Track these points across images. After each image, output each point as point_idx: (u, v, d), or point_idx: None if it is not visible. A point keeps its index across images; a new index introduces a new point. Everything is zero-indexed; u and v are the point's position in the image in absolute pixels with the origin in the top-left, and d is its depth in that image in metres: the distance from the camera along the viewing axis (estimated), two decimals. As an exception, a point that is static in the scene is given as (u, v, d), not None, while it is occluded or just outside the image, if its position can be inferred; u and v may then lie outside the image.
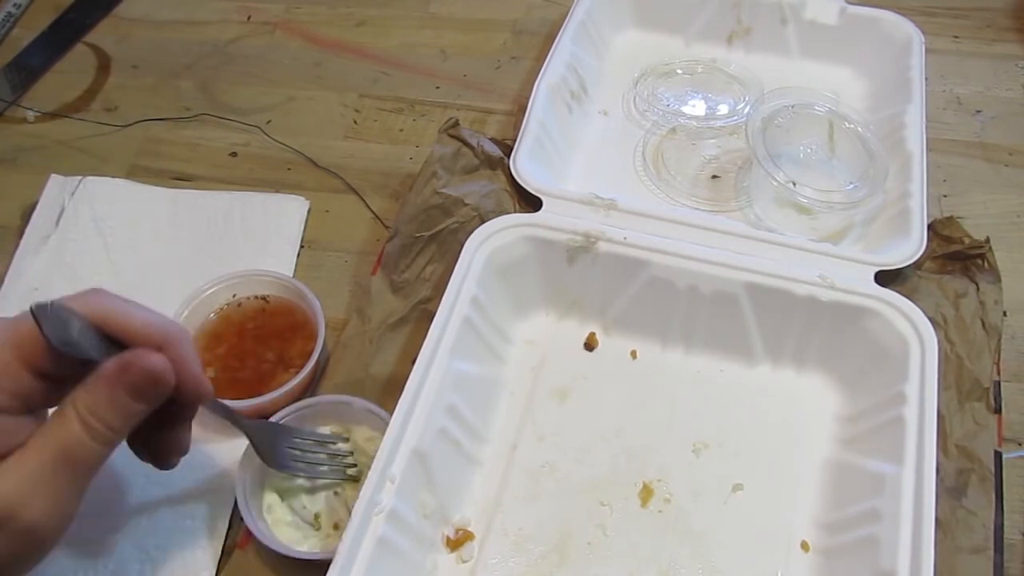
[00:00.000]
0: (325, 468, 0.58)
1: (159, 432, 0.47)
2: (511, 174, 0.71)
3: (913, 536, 0.51)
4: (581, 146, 0.79)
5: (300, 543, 0.56)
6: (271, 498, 0.58)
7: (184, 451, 0.49)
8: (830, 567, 0.55)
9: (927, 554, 0.50)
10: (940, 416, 0.57)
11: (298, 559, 0.54)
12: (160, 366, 0.42)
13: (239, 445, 0.61)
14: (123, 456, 0.60)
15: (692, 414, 0.63)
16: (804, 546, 0.57)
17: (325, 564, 0.51)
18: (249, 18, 0.94)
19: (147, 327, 0.44)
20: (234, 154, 0.81)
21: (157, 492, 0.59)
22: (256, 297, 0.66)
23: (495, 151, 0.74)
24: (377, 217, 0.75)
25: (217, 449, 0.61)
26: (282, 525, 0.57)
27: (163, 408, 0.45)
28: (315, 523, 0.57)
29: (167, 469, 0.49)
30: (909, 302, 0.61)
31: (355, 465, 0.59)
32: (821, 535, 0.57)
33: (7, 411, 0.42)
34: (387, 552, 0.51)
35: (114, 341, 0.43)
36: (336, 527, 0.57)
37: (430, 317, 0.60)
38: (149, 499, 0.59)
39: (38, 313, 0.41)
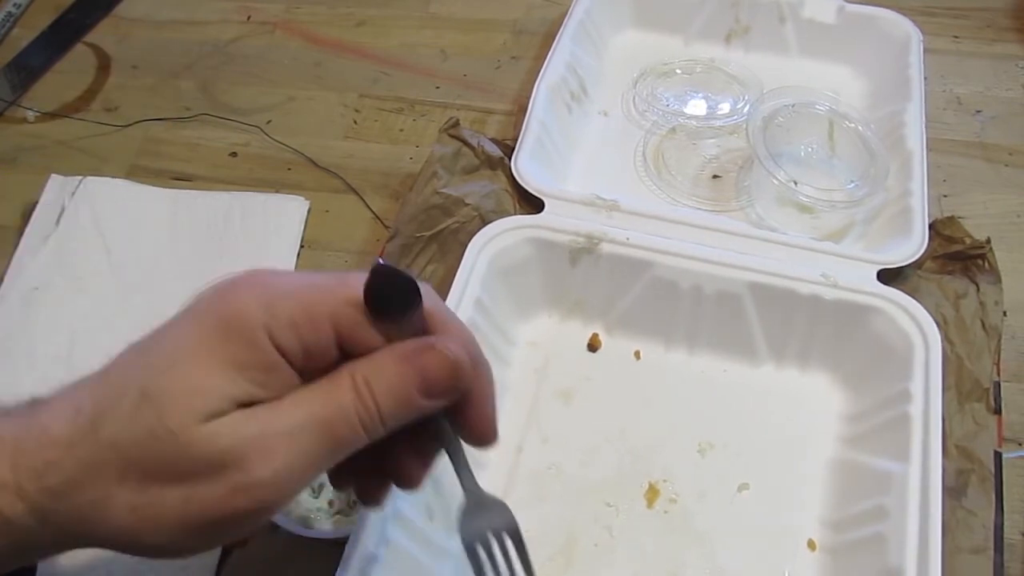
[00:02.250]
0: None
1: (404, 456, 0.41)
2: (512, 174, 0.71)
3: (920, 533, 0.51)
4: (581, 146, 0.79)
5: (304, 516, 0.56)
6: None
7: (415, 483, 0.41)
8: (837, 565, 0.55)
9: (934, 551, 0.50)
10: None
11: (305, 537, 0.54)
12: (462, 358, 0.37)
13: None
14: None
15: (696, 414, 0.63)
16: (811, 545, 0.57)
17: (326, 547, 0.51)
18: (249, 18, 0.94)
19: (462, 334, 0.39)
20: (234, 154, 0.81)
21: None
22: (257, 297, 0.65)
23: (495, 151, 0.74)
24: (377, 217, 0.75)
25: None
26: None
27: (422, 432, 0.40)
28: (315, 490, 0.57)
29: (372, 503, 0.42)
30: (913, 300, 0.61)
31: None
32: (828, 534, 0.57)
33: (289, 354, 0.35)
34: (394, 556, 0.51)
35: None
36: (331, 504, 0.57)
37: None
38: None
39: (377, 268, 0.36)
